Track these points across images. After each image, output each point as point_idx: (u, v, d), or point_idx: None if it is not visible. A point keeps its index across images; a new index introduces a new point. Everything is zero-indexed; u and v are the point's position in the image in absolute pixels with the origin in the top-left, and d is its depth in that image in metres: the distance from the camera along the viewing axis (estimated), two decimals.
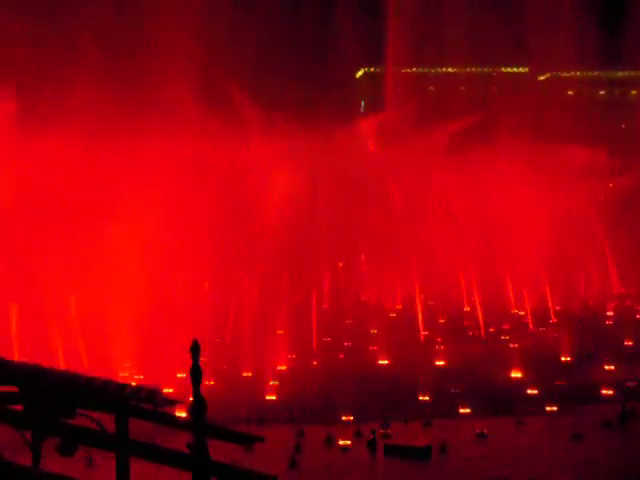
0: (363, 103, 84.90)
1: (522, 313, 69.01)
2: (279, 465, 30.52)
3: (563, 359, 52.59)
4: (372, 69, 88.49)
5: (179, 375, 40.12)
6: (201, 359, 14.35)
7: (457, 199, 70.99)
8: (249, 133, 67.66)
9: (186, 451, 14.10)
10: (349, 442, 33.71)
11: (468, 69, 76.21)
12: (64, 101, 59.29)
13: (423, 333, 61.16)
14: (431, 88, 72.20)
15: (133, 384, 15.12)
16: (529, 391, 43.07)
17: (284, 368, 50.41)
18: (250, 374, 48.85)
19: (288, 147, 67.84)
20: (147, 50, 63.14)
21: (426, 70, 74.84)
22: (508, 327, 64.75)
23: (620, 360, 51.02)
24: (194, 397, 14.14)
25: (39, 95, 60.76)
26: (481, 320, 65.32)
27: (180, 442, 14.44)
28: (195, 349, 14.18)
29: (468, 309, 68.49)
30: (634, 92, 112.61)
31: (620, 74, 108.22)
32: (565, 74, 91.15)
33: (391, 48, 71.24)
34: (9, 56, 59.39)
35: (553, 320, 67.37)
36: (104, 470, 26.58)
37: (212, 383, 42.82)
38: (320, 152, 67.39)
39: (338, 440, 33.81)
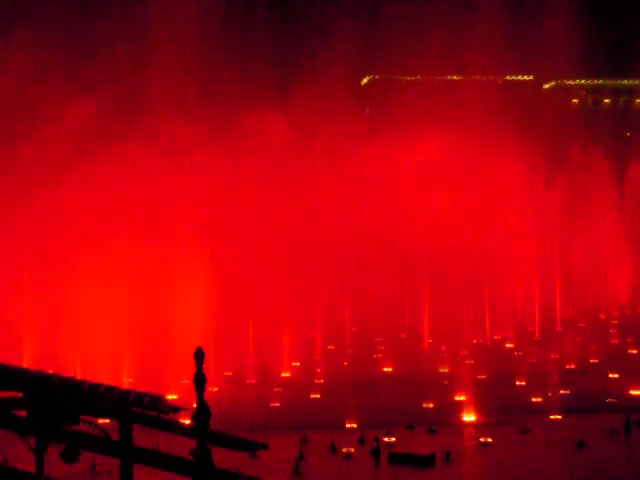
0: (368, 110, 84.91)
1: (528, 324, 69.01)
2: (283, 472, 30.52)
3: (568, 367, 52.60)
4: (377, 76, 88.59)
5: (183, 382, 40.12)
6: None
7: (463, 203, 70.75)
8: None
9: (190, 458, 14.08)
10: (353, 449, 33.67)
11: (472, 77, 76.17)
12: None
13: (428, 341, 61.17)
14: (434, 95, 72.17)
15: (137, 390, 15.09)
16: (533, 399, 43.05)
17: (288, 375, 50.48)
18: (254, 381, 48.94)
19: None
20: None
21: (429, 78, 74.79)
22: (513, 335, 64.74)
23: (624, 368, 51.05)
24: (198, 404, 14.12)
25: None
26: (486, 328, 65.38)
27: (184, 449, 14.42)
28: (199, 356, 14.15)
29: (472, 318, 68.44)
30: (639, 100, 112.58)
31: (625, 82, 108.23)
32: (570, 82, 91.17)
33: (397, 55, 71.34)
34: None
35: (559, 328, 67.34)
36: (108, 477, 26.64)
37: (216, 390, 42.86)
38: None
39: (342, 447, 33.78)
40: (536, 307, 72.22)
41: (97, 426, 14.35)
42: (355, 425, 37.59)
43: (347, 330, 66.70)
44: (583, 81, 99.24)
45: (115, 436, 14.37)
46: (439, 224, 66.65)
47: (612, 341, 63.15)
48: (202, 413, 14.12)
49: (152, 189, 58.77)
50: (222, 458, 14.82)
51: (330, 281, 66.48)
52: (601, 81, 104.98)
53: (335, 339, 63.62)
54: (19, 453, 14.61)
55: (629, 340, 62.11)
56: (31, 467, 14.05)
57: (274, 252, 64.05)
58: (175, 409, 14.82)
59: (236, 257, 63.24)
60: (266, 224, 64.50)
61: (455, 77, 76.60)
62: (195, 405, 14.05)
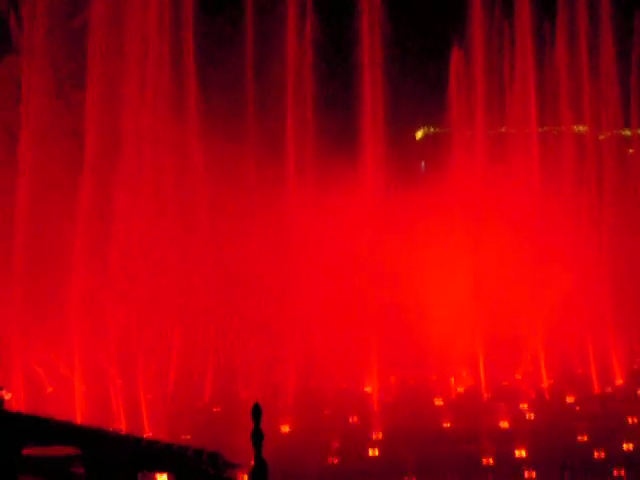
0: (423, 164, 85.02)
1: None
2: None
3: (631, 421, 51.48)
4: (432, 129, 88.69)
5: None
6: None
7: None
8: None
9: None
10: None
11: (526, 128, 76.00)
12: None
13: (485, 395, 60.40)
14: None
15: (194, 446, 15.01)
16: (596, 454, 42.19)
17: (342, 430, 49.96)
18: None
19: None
20: None
21: (484, 131, 74.69)
22: (572, 388, 63.54)
23: None
24: (255, 461, 14.02)
25: None
26: (544, 381, 64.24)
27: None
28: (256, 412, 14.08)
29: (530, 369, 67.43)
30: None
31: None
32: (626, 132, 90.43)
33: (453, 109, 71.46)
34: None
35: (619, 380, 66.05)
36: None
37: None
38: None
39: None
40: (591, 356, 70.66)
41: None
42: None
43: (403, 384, 65.94)
44: (639, 131, 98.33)
45: None
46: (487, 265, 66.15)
47: None
48: (259, 470, 14.00)
49: None
50: None
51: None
52: None
53: (391, 391, 62.88)
54: None
55: None
56: None
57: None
58: (233, 465, 14.72)
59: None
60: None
61: (509, 130, 76.43)
62: (253, 462, 13.95)
